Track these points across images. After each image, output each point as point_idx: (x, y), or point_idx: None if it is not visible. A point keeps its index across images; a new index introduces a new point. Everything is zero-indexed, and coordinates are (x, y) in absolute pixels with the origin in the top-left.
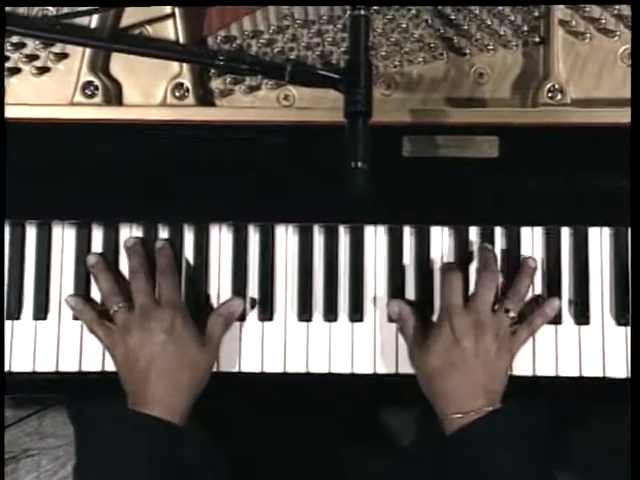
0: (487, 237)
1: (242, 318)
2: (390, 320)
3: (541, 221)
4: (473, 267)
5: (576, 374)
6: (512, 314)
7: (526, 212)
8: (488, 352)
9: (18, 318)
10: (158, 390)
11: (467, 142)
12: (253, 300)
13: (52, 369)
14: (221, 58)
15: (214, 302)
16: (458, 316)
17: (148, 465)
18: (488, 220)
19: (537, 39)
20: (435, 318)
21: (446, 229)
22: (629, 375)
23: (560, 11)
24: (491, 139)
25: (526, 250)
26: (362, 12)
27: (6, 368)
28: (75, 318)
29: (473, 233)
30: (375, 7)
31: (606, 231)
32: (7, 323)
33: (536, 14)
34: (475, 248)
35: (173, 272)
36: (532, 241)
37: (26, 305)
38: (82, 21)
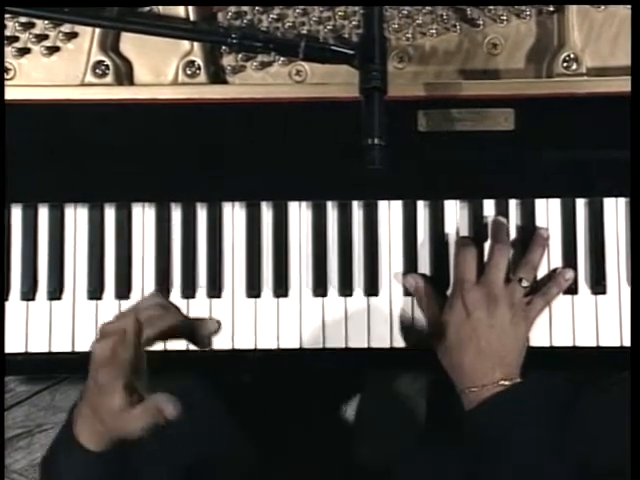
0: (502, 210)
1: (257, 295)
2: (406, 294)
3: (557, 193)
4: (488, 241)
5: (593, 344)
6: (525, 283)
7: (542, 184)
8: (502, 323)
9: (33, 299)
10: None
11: (483, 115)
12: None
13: (68, 349)
14: (234, 36)
15: (228, 281)
16: (470, 290)
17: None
18: (504, 193)
19: (551, 8)
20: (450, 292)
21: (460, 202)
22: None
23: None
24: (507, 111)
25: (541, 222)
26: None
27: (22, 349)
28: (91, 298)
29: (488, 206)
30: None
31: (622, 201)
32: (22, 304)
33: None
34: (490, 222)
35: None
36: (547, 213)
37: (40, 286)
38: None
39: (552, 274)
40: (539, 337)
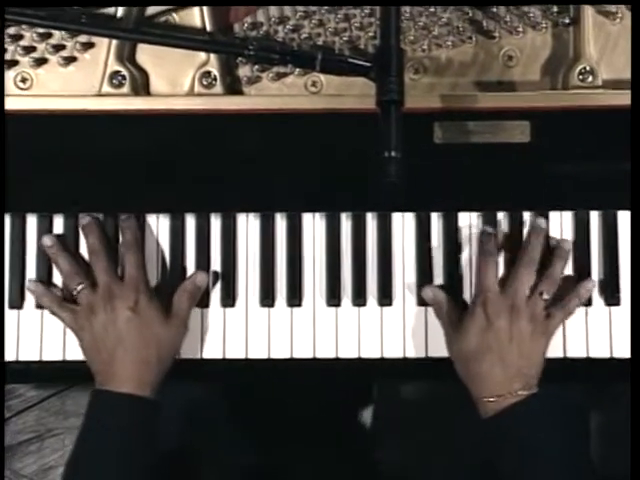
0: (516, 222)
1: (271, 304)
2: (419, 304)
3: (571, 205)
4: (501, 253)
5: (607, 355)
6: (546, 296)
7: (556, 197)
8: (523, 335)
9: (43, 307)
10: (125, 367)
11: (498, 127)
12: None
13: (82, 357)
14: (251, 48)
15: (242, 290)
16: (492, 300)
17: (123, 440)
18: (519, 205)
19: (567, 20)
20: (465, 303)
21: (473, 214)
22: None
23: None
24: (522, 124)
25: (555, 234)
26: None
27: (36, 357)
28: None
29: (503, 219)
30: None
31: None
32: (36, 312)
33: None
34: (502, 234)
35: (138, 248)
36: (561, 225)
37: None
38: (107, 11)
39: (571, 285)
40: (553, 348)
